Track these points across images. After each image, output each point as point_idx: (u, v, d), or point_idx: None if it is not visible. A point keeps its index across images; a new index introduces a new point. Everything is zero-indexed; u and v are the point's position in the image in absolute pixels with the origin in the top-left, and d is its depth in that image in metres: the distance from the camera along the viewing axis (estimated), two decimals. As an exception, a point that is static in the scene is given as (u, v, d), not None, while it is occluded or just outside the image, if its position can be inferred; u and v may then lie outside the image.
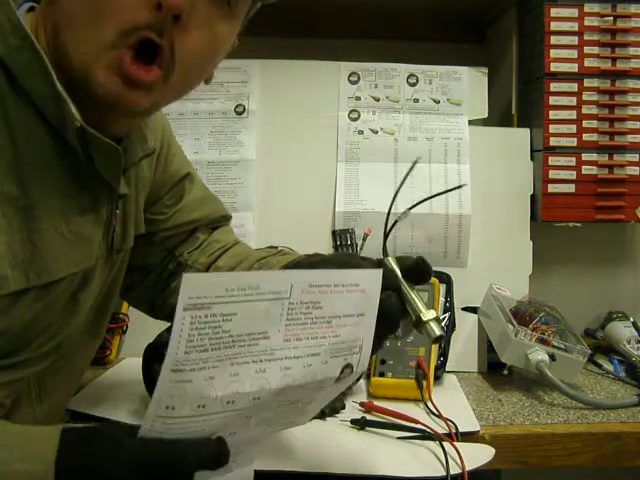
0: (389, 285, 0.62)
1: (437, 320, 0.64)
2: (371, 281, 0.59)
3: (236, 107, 1.23)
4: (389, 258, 0.67)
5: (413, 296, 0.65)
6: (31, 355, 0.62)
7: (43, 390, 0.66)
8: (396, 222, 0.70)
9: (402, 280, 0.65)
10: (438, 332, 0.63)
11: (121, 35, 0.53)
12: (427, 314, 0.64)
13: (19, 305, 0.56)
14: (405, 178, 0.70)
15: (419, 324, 0.64)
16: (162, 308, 0.88)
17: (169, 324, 0.86)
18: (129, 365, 1.05)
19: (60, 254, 0.59)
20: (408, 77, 1.25)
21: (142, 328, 0.89)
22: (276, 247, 0.89)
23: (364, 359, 0.61)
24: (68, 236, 0.59)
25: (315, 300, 0.55)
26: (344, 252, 0.89)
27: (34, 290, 0.57)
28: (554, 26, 1.18)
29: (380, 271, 0.59)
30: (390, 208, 0.70)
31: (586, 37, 1.18)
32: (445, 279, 1.09)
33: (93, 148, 0.59)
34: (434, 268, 0.68)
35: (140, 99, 0.56)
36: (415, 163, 0.74)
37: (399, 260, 0.66)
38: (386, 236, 0.70)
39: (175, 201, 0.84)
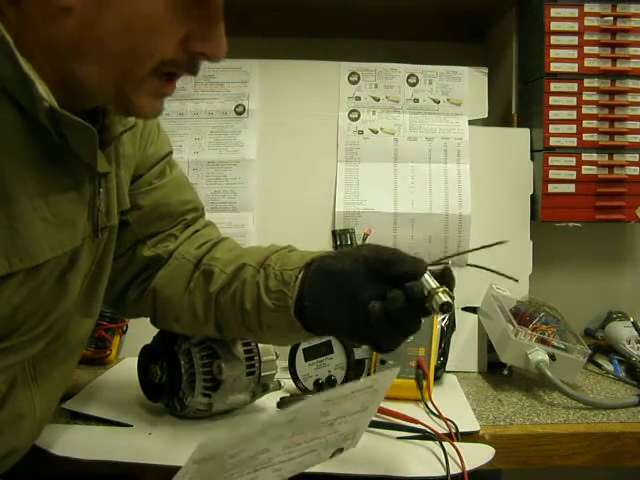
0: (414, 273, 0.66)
1: (445, 292, 0.64)
2: (385, 381, 0.58)
3: (236, 107, 1.23)
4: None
5: (426, 277, 0.65)
6: (22, 339, 0.61)
7: (39, 372, 0.66)
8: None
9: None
10: (445, 299, 0.63)
11: (157, 68, 0.57)
12: (437, 288, 0.64)
13: (4, 290, 0.56)
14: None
15: (429, 297, 0.64)
16: (138, 302, 0.84)
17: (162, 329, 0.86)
18: (129, 365, 1.04)
19: (43, 237, 0.58)
20: (408, 77, 1.25)
21: (142, 328, 0.89)
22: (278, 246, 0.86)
23: (356, 441, 0.61)
24: (50, 219, 0.59)
25: (324, 411, 0.53)
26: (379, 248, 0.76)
27: (19, 274, 0.57)
28: (554, 26, 1.18)
29: (396, 370, 0.59)
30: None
31: (586, 37, 1.18)
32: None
33: (65, 128, 0.57)
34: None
35: (162, 107, 0.61)
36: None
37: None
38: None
39: (155, 178, 0.82)
